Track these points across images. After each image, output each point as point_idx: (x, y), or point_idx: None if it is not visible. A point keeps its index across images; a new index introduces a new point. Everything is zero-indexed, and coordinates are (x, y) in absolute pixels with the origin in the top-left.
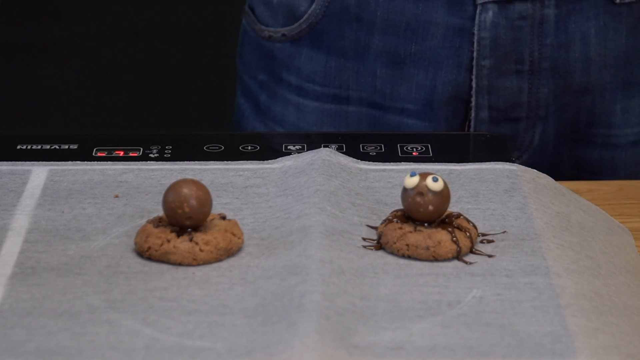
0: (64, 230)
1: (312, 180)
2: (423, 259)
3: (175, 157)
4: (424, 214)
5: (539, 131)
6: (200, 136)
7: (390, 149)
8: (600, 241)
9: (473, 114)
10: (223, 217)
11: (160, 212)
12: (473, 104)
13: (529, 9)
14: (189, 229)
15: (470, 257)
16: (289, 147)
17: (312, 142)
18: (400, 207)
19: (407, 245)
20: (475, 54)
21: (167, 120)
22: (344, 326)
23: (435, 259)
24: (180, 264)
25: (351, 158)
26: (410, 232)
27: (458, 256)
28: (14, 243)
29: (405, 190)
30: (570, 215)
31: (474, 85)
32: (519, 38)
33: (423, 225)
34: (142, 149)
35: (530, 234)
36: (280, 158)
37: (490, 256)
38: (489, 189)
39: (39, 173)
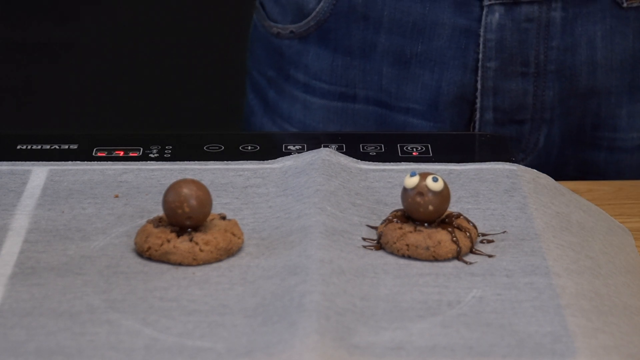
0: (64, 230)
1: (312, 180)
2: (423, 259)
3: (175, 157)
4: (424, 214)
5: (544, 134)
6: (200, 136)
7: (390, 149)
8: (600, 241)
9: (478, 116)
10: (223, 217)
11: (160, 212)
12: (478, 105)
13: (535, 11)
14: (189, 229)
15: (470, 257)
16: (289, 147)
17: (312, 142)
18: (400, 207)
19: (407, 245)
20: (480, 56)
21: (168, 120)
22: (344, 326)
23: (435, 259)
24: (180, 264)
25: (351, 158)
26: (410, 232)
27: (458, 256)
28: (14, 243)
29: (405, 190)
30: (570, 215)
31: (479, 86)
32: (525, 40)
33: (423, 225)
34: (142, 149)
35: (530, 234)
36: (280, 158)
37: (490, 256)
38: (489, 189)
39: (39, 173)
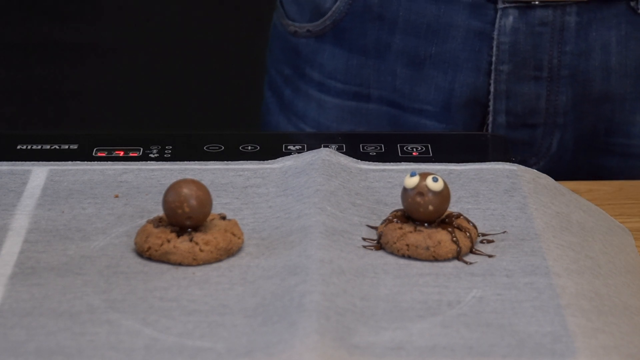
0: (64, 230)
1: (312, 180)
2: (423, 259)
3: (175, 157)
4: (424, 214)
5: (557, 138)
6: (200, 136)
7: (390, 149)
8: (600, 241)
9: (491, 119)
10: (223, 217)
11: (160, 212)
12: (491, 108)
13: (549, 15)
14: (189, 229)
15: (470, 257)
16: (289, 147)
17: (312, 142)
18: (400, 207)
19: (407, 245)
20: (494, 59)
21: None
22: (344, 326)
23: (435, 259)
24: (180, 264)
25: (351, 158)
26: (410, 232)
27: (458, 256)
28: (14, 243)
29: (405, 190)
30: (570, 215)
31: (492, 89)
32: (538, 44)
33: (423, 225)
34: (142, 149)
35: (530, 234)
36: (280, 158)
37: (490, 256)
38: (489, 189)
39: (39, 173)
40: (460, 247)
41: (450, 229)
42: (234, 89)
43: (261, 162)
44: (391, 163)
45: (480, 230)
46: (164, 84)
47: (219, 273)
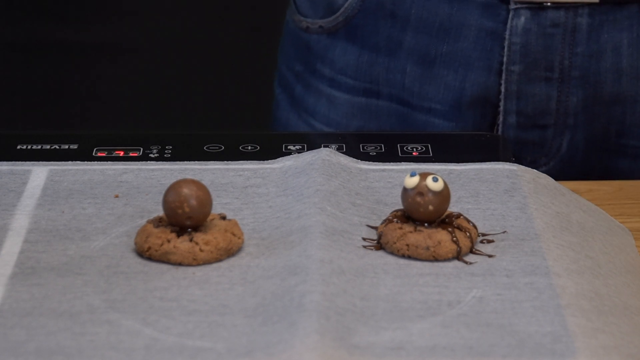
0: (64, 230)
1: (312, 180)
2: (423, 259)
3: (175, 157)
4: (424, 214)
5: (567, 139)
6: (200, 136)
7: (390, 149)
8: (600, 241)
9: (501, 119)
10: (223, 217)
11: (160, 212)
12: (501, 108)
13: (561, 16)
14: (189, 229)
15: (470, 257)
16: (289, 147)
17: (312, 142)
18: (400, 207)
19: (407, 245)
20: (505, 59)
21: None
22: (344, 326)
23: (435, 259)
24: (180, 264)
25: (351, 158)
26: (410, 232)
27: (458, 256)
28: (14, 243)
29: (405, 190)
30: (570, 215)
31: (502, 89)
32: (550, 45)
33: (423, 225)
34: (142, 149)
35: (530, 234)
36: (280, 158)
37: (490, 256)
38: (489, 189)
39: (39, 173)
40: (460, 247)
41: (450, 229)
42: (234, 89)
43: (261, 162)
44: (391, 163)
45: (480, 230)
46: (164, 84)
47: (219, 273)
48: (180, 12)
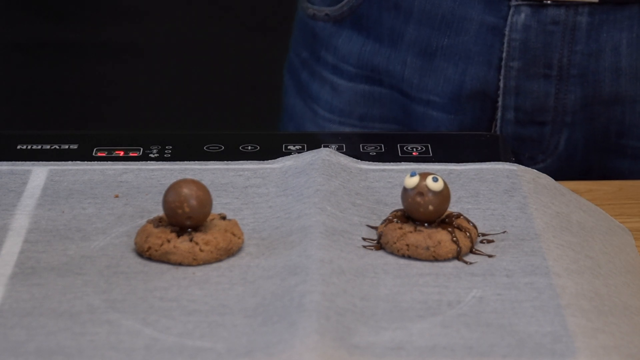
0: (64, 230)
1: (312, 180)
2: (423, 259)
3: (175, 157)
4: (424, 214)
5: (565, 137)
6: (200, 136)
7: (390, 149)
8: (600, 241)
9: (499, 114)
10: (223, 217)
11: (160, 212)
12: (500, 103)
13: (562, 14)
14: (189, 229)
15: (470, 257)
16: (289, 147)
17: (312, 142)
18: (400, 207)
19: (407, 245)
20: (504, 55)
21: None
22: (344, 326)
23: (435, 259)
24: (180, 264)
25: (351, 158)
26: (410, 232)
27: (458, 256)
28: (14, 243)
29: (405, 190)
30: (570, 215)
31: (501, 85)
32: (549, 43)
33: (423, 225)
34: (142, 149)
35: (530, 234)
36: (280, 158)
37: (490, 256)
38: (489, 189)
39: (39, 173)
40: (460, 247)
41: (450, 229)
42: (234, 89)
43: (261, 162)
44: (391, 163)
45: (480, 230)
46: (164, 84)
47: (219, 273)
48: (180, 13)
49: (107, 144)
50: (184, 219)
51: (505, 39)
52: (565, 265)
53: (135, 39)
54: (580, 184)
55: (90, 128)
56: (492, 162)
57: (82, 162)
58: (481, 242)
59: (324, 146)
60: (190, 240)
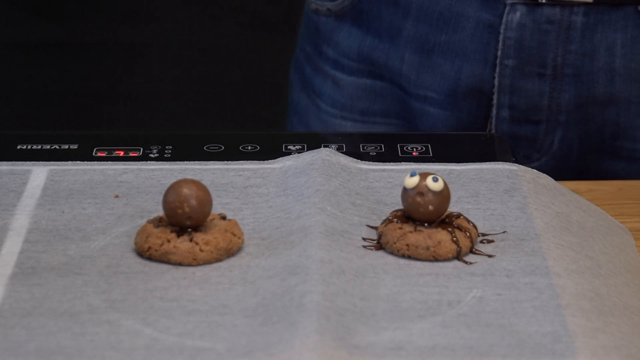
0: (64, 230)
1: (312, 180)
2: (423, 259)
3: (175, 157)
4: (424, 214)
5: (559, 136)
6: (200, 136)
7: (390, 149)
8: (600, 241)
9: (494, 112)
10: (223, 217)
11: (160, 212)
12: (495, 102)
13: (557, 13)
14: (189, 229)
15: (470, 257)
16: (289, 147)
17: (312, 142)
18: (400, 207)
19: (407, 245)
20: (499, 53)
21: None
22: (344, 326)
23: (435, 259)
24: (180, 264)
25: (351, 158)
26: (410, 232)
27: (458, 256)
28: (14, 243)
29: (405, 190)
30: (570, 215)
31: (496, 83)
32: (544, 42)
33: (423, 225)
34: (142, 149)
35: (530, 234)
36: (280, 158)
37: (490, 256)
38: (489, 189)
39: (39, 173)
40: (460, 247)
41: (450, 229)
42: (234, 89)
43: (261, 162)
44: (391, 163)
45: (480, 230)
46: (165, 84)
47: (219, 273)
48: (180, 13)
49: (107, 144)
50: (184, 219)
51: (501, 37)
52: (565, 265)
53: (135, 39)
54: (581, 184)
55: (90, 128)
56: (492, 162)
57: (82, 162)
58: (481, 242)
59: (324, 146)
60: (190, 240)
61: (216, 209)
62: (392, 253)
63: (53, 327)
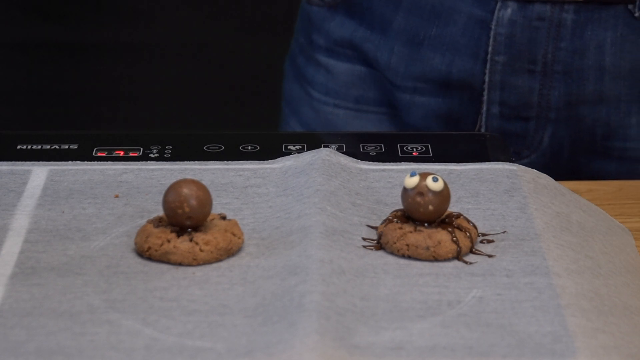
0: (64, 230)
1: (312, 180)
2: (423, 259)
3: (175, 157)
4: (424, 214)
5: (549, 133)
6: (200, 136)
7: (390, 149)
8: (600, 241)
9: (485, 108)
10: (223, 217)
11: (160, 212)
12: (485, 97)
13: (547, 11)
14: (189, 229)
15: (470, 257)
16: (289, 147)
17: (312, 142)
18: (400, 207)
19: (407, 245)
20: (490, 49)
21: (170, 120)
22: (344, 326)
23: (435, 259)
24: (180, 264)
25: (351, 158)
26: (410, 232)
27: (458, 256)
28: (14, 243)
29: (405, 190)
30: (570, 215)
31: (487, 79)
32: (534, 38)
33: (423, 225)
34: (142, 149)
35: (530, 234)
36: (280, 158)
37: (490, 256)
38: (489, 189)
39: (39, 173)
40: (460, 247)
41: (450, 229)
42: (234, 89)
43: (261, 162)
44: (391, 163)
45: (480, 230)
46: (165, 84)
47: (219, 273)
48: (179, 13)
49: (107, 144)
50: (184, 219)
51: (492, 33)
52: (565, 265)
53: (135, 39)
54: (581, 184)
55: (90, 128)
56: (492, 162)
57: (82, 162)
58: (481, 242)
59: (324, 146)
60: (190, 240)
61: (216, 209)
62: (392, 253)
63: (53, 327)
